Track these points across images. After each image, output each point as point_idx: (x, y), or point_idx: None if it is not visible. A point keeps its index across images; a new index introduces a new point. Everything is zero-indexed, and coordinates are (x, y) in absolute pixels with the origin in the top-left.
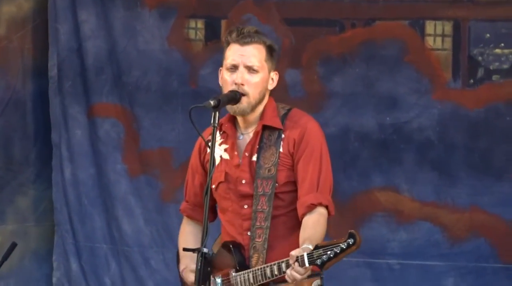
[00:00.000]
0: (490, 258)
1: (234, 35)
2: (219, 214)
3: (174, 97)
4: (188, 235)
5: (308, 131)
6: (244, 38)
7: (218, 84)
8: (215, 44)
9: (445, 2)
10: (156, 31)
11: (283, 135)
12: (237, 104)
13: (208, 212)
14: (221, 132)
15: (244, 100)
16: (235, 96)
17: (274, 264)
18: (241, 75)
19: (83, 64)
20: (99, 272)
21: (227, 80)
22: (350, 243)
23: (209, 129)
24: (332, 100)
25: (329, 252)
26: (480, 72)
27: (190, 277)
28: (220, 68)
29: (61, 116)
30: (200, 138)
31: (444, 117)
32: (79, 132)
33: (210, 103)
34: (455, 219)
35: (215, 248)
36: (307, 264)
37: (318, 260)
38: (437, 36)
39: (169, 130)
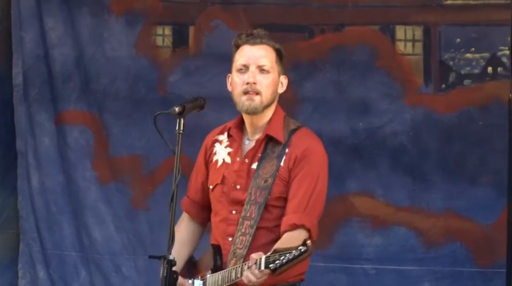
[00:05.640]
0: (466, 262)
1: (243, 36)
2: (211, 216)
3: (143, 104)
4: (183, 231)
5: (312, 152)
6: (254, 39)
7: (187, 90)
8: (183, 51)
9: (415, 7)
10: (123, 38)
11: (287, 150)
12: (250, 102)
13: (174, 218)
14: (228, 136)
15: (257, 99)
16: (200, 103)
17: (239, 267)
18: (253, 74)
19: (50, 72)
20: (68, 280)
21: (237, 82)
22: (302, 250)
23: (214, 131)
24: (304, 105)
25: (282, 258)
26: (452, 77)
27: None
28: (228, 74)
29: (28, 124)
30: (208, 137)
31: (416, 122)
32: (46, 140)
33: (174, 110)
34: (430, 224)
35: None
36: (263, 267)
37: (272, 265)
38: (407, 41)
39: (138, 137)
